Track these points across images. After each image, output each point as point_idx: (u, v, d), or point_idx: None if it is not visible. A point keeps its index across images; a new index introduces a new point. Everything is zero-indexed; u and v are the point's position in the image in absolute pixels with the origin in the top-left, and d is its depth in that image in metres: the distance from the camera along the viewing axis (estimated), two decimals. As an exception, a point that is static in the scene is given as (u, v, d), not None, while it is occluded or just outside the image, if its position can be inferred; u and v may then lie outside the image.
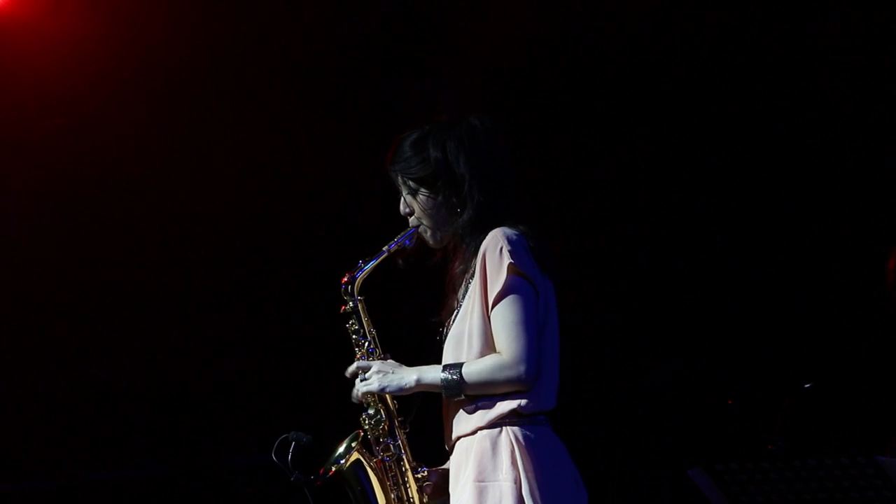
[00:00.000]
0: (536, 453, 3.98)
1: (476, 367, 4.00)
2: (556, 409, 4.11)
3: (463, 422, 4.05)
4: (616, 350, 6.86)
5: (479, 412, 4.02)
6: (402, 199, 4.20)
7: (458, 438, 4.07)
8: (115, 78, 6.78)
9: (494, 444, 3.99)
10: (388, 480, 4.17)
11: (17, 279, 6.91)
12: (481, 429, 4.01)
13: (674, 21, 6.63)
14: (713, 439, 6.54)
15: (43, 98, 6.80)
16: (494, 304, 3.99)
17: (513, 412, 4.00)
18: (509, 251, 3.99)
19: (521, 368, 3.96)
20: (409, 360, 4.13)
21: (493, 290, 3.99)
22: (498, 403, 4.01)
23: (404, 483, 4.16)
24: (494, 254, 4.00)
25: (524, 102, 6.72)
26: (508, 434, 3.99)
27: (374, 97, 6.88)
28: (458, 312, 4.12)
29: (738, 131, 6.70)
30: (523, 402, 4.00)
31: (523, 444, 3.98)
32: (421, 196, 4.16)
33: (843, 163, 6.54)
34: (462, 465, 4.04)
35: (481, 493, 3.96)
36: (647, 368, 6.83)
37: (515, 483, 3.94)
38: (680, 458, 5.16)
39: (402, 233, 4.20)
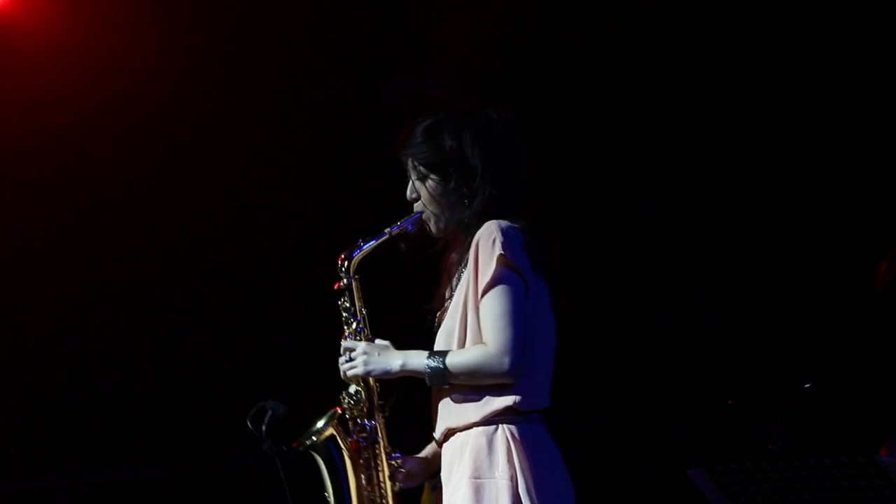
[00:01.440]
0: (532, 451, 3.98)
1: (461, 357, 3.99)
2: (557, 409, 4.11)
3: (455, 414, 4.04)
4: (616, 350, 6.86)
5: (474, 407, 4.02)
6: (410, 183, 4.20)
7: (452, 432, 4.06)
8: (115, 78, 6.78)
9: (490, 442, 3.98)
10: (361, 461, 4.16)
11: (18, 279, 6.91)
12: (476, 425, 4.01)
13: (668, 16, 6.64)
14: (713, 439, 6.53)
15: (43, 98, 6.80)
16: (483, 295, 3.99)
17: (508, 409, 4.00)
18: (501, 243, 3.98)
19: (506, 360, 3.96)
20: (399, 346, 4.13)
21: (483, 280, 3.99)
22: (494, 399, 4.00)
23: (376, 466, 4.16)
24: (487, 244, 4.00)
25: (519, 100, 6.72)
26: (504, 431, 3.99)
27: (367, 95, 6.88)
28: (450, 302, 4.12)
29: (736, 127, 6.69)
30: (519, 398, 4.00)
31: (519, 441, 3.98)
32: (430, 182, 4.15)
33: (843, 162, 6.54)
34: (456, 461, 4.03)
35: (478, 491, 3.96)
36: (647, 368, 6.83)
37: (511, 481, 3.94)
38: (680, 458, 5.15)
39: (406, 217, 4.19)
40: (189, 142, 6.89)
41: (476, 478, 3.97)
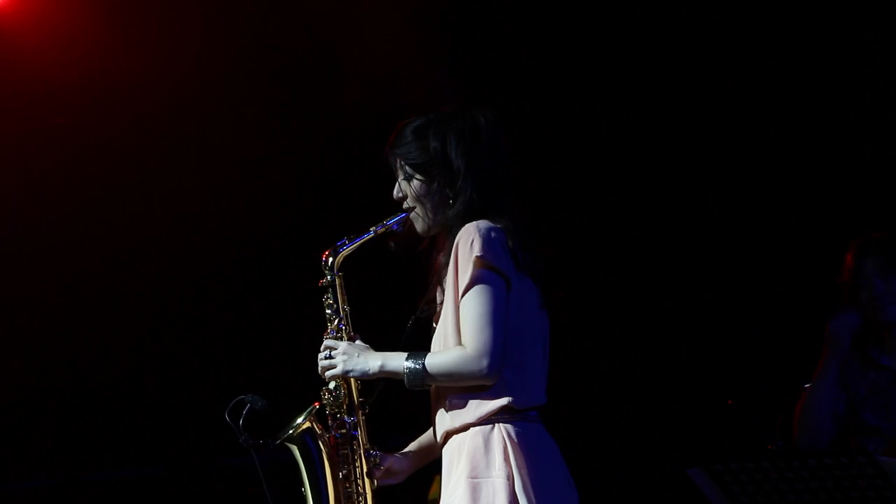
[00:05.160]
0: (529, 449, 3.98)
1: (439, 359, 4.00)
2: (557, 409, 4.10)
3: (452, 417, 4.04)
4: (615, 350, 6.86)
5: (470, 408, 4.01)
6: (397, 183, 4.21)
7: (450, 434, 4.06)
8: (115, 78, 6.78)
9: (487, 441, 3.98)
10: (338, 458, 4.17)
11: (17, 279, 6.91)
12: (473, 425, 4.01)
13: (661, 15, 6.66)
14: (713, 439, 6.53)
15: (43, 98, 6.80)
16: (462, 297, 3.99)
17: (504, 408, 4.00)
18: (480, 244, 3.98)
19: (484, 362, 3.95)
20: (380, 345, 4.14)
21: (462, 282, 3.99)
22: (489, 400, 4.00)
23: (354, 462, 4.16)
24: (465, 246, 4.00)
25: (517, 97, 6.73)
26: (501, 430, 3.99)
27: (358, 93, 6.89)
28: (440, 305, 4.12)
29: (732, 125, 6.69)
30: (514, 397, 3.99)
31: (515, 440, 3.98)
32: (415, 182, 4.16)
33: (846, 162, 6.54)
34: (454, 462, 4.04)
35: (475, 490, 3.96)
36: (647, 368, 6.83)
37: (508, 479, 3.94)
38: (680, 458, 5.15)
39: (392, 216, 4.20)
40: (189, 141, 6.89)
41: (473, 477, 3.97)
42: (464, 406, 4.02)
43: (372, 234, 4.19)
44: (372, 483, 4.16)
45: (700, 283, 6.77)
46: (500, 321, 3.97)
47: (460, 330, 3.99)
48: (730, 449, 6.30)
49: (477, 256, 3.96)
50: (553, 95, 6.81)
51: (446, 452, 4.08)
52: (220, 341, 7.06)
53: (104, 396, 7.03)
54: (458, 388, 4.02)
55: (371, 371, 4.08)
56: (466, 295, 3.97)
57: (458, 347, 3.98)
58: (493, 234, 4.00)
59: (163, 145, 6.89)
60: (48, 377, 7.01)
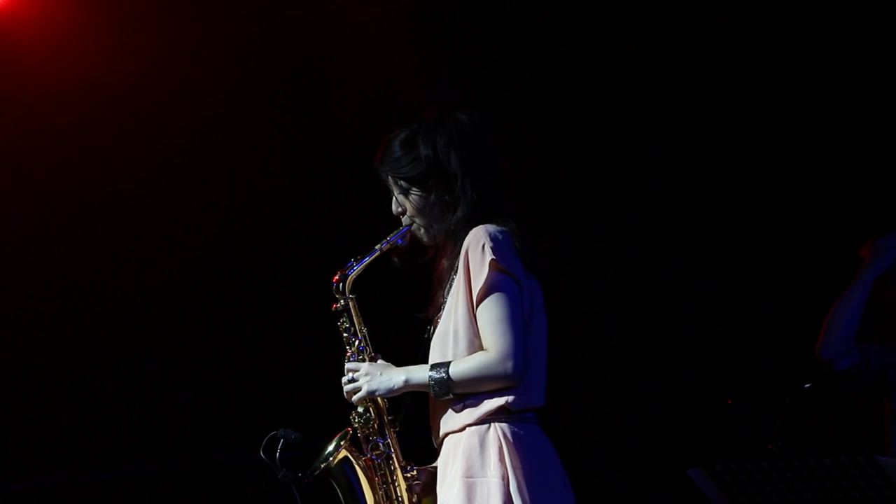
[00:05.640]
0: (524, 450, 3.98)
1: (464, 366, 4.00)
2: (558, 409, 4.10)
3: (451, 419, 4.04)
4: (616, 350, 6.86)
5: (468, 409, 4.02)
6: (394, 198, 4.21)
7: (447, 435, 4.07)
8: (115, 78, 6.78)
9: (482, 441, 3.99)
10: (377, 478, 4.17)
11: (17, 279, 6.91)
12: (469, 426, 4.01)
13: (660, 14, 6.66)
14: (713, 439, 6.53)
15: (43, 98, 6.80)
16: (479, 302, 3.99)
17: (501, 409, 4.00)
18: (491, 248, 3.99)
19: (509, 364, 3.96)
20: (401, 359, 4.13)
21: (477, 286, 3.99)
22: (486, 400, 4.01)
23: (393, 482, 4.16)
24: (477, 250, 4.00)
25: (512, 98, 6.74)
26: (497, 430, 3.99)
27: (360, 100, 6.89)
28: (443, 309, 4.12)
29: (732, 124, 6.70)
30: (511, 398, 4.00)
31: (511, 440, 3.98)
32: (413, 195, 4.16)
33: (845, 162, 6.54)
34: (450, 462, 4.04)
35: (470, 490, 3.96)
36: (647, 368, 6.83)
37: (503, 479, 3.95)
38: (680, 458, 5.15)
39: (395, 231, 4.20)
40: (190, 142, 6.89)
41: (468, 477, 3.97)
42: (463, 408, 4.02)
43: (378, 252, 4.19)
44: (413, 498, 4.16)
45: (700, 283, 6.77)
46: (519, 323, 3.98)
47: (481, 334, 3.99)
48: (730, 449, 6.31)
49: (491, 260, 3.97)
50: (552, 96, 6.81)
51: (442, 452, 4.08)
52: (220, 341, 7.05)
53: (104, 396, 7.03)
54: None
55: (396, 387, 4.08)
56: (485, 300, 3.98)
57: (482, 352, 3.99)
58: (501, 237, 4.01)
59: (162, 147, 6.89)
60: (48, 377, 7.00)
